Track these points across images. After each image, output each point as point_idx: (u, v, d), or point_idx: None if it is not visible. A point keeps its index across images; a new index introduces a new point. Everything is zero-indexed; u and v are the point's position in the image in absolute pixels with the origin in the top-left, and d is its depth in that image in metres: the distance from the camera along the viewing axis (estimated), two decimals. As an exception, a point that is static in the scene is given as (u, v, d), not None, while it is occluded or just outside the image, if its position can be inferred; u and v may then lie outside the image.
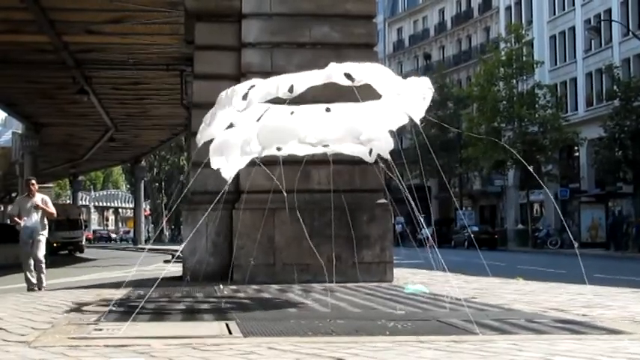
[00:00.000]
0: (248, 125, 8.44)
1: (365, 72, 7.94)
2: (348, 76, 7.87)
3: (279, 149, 8.81)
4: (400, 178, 8.57)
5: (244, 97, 8.03)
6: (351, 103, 8.44)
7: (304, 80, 7.97)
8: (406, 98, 7.88)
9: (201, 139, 8.89)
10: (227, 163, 8.74)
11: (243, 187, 12.43)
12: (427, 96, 7.94)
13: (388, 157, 8.84)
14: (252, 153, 8.50)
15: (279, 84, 7.97)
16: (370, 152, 9.00)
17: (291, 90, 7.86)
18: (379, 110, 8.25)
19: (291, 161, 9.86)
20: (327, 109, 8.28)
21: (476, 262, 11.06)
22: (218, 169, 9.04)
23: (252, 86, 8.06)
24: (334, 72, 7.93)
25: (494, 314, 7.66)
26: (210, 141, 8.86)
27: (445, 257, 7.94)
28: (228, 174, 8.84)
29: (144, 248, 46.23)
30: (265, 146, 8.33)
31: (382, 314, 7.68)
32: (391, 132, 8.60)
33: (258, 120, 8.37)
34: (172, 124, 42.82)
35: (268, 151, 8.62)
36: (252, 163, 9.20)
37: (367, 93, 8.23)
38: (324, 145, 8.73)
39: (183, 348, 5.63)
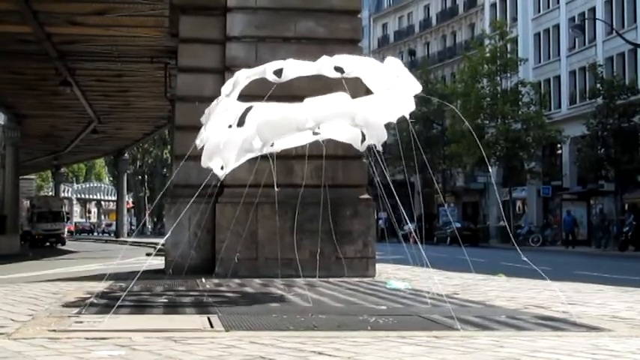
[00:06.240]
0: (242, 125, 8.36)
1: (355, 65, 7.91)
2: (338, 69, 7.85)
3: (272, 145, 8.73)
4: (385, 171, 8.56)
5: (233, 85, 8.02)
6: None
7: (294, 68, 7.94)
8: (396, 93, 7.84)
9: (200, 142, 8.75)
10: (221, 162, 8.63)
11: (226, 180, 12.41)
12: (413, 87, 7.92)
13: (380, 148, 8.74)
14: (253, 150, 8.43)
15: (267, 67, 7.95)
16: (362, 141, 8.85)
17: (279, 75, 7.83)
18: (373, 102, 8.18)
19: (275, 155, 9.84)
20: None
21: (458, 258, 11.10)
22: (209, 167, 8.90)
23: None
24: (325, 65, 7.90)
25: (475, 310, 7.68)
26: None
27: (427, 253, 7.95)
28: (221, 172, 8.74)
29: (126, 241, 46.09)
30: (266, 141, 8.25)
31: (364, 309, 7.68)
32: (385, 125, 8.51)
33: (241, 118, 8.28)
34: (156, 117, 42.68)
35: (269, 147, 8.53)
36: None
37: (356, 87, 8.21)
38: (315, 133, 8.63)
39: (165, 341, 5.61)
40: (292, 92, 8.74)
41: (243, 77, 8.12)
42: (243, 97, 8.39)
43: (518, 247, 8.72)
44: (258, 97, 8.33)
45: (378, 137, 8.29)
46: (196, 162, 9.07)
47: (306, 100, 8.03)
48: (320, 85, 8.68)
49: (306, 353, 5.17)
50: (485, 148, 48.65)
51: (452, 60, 67.67)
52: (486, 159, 43.93)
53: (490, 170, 51.38)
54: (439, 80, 66.25)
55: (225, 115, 8.36)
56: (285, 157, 10.44)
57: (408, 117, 7.83)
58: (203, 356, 5.07)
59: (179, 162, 12.92)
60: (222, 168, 8.70)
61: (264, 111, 8.16)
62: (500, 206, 50.38)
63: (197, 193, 8.92)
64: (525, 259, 7.29)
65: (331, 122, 8.29)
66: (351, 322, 6.67)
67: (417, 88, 7.94)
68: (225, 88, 8.22)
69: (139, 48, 27.93)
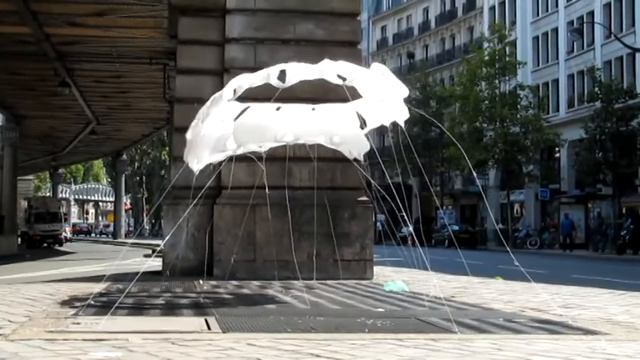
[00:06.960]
0: (225, 123, 8.38)
1: (355, 75, 7.97)
2: (340, 77, 7.91)
3: (260, 146, 8.75)
4: (386, 175, 8.58)
5: (235, 90, 8.03)
6: (336, 103, 8.44)
7: (297, 72, 7.96)
8: (390, 104, 7.90)
9: (191, 136, 8.78)
10: (195, 157, 8.65)
11: (225, 182, 12.41)
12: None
13: (361, 158, 8.83)
14: (227, 150, 8.45)
15: (271, 72, 7.97)
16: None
17: (282, 80, 7.86)
18: (362, 110, 8.21)
19: (273, 158, 9.84)
20: (313, 109, 8.25)
21: (456, 260, 11.11)
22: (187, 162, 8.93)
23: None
24: (327, 70, 7.94)
25: (473, 313, 7.69)
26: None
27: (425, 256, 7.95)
28: (196, 167, 8.75)
29: (126, 242, 46.03)
30: (241, 144, 8.27)
31: (361, 312, 7.69)
32: (367, 134, 8.54)
33: (237, 118, 8.30)
34: (154, 118, 42.66)
35: (244, 148, 8.55)
36: (233, 159, 9.16)
37: (355, 93, 8.25)
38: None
39: (162, 343, 5.61)
40: (294, 95, 8.74)
41: (246, 84, 8.12)
42: (245, 98, 8.40)
43: (510, 249, 8.74)
44: (260, 100, 8.33)
45: (358, 149, 8.36)
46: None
47: (299, 110, 8.07)
48: (322, 89, 8.73)
49: (303, 355, 5.17)
50: (484, 151, 48.72)
51: (450, 63, 67.68)
52: (473, 171, 44.06)
53: (478, 182, 51.42)
54: (438, 83, 66.25)
55: (220, 115, 8.36)
56: (284, 159, 10.45)
57: (402, 124, 7.87)
58: (200, 358, 5.07)
59: (177, 163, 12.95)
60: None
61: (253, 114, 8.15)
62: (490, 213, 50.49)
63: (199, 196, 8.91)
64: (517, 263, 7.32)
65: (309, 139, 8.34)
66: (349, 324, 6.67)
67: (404, 92, 8.01)
68: (227, 94, 8.20)
69: (138, 49, 27.92)
